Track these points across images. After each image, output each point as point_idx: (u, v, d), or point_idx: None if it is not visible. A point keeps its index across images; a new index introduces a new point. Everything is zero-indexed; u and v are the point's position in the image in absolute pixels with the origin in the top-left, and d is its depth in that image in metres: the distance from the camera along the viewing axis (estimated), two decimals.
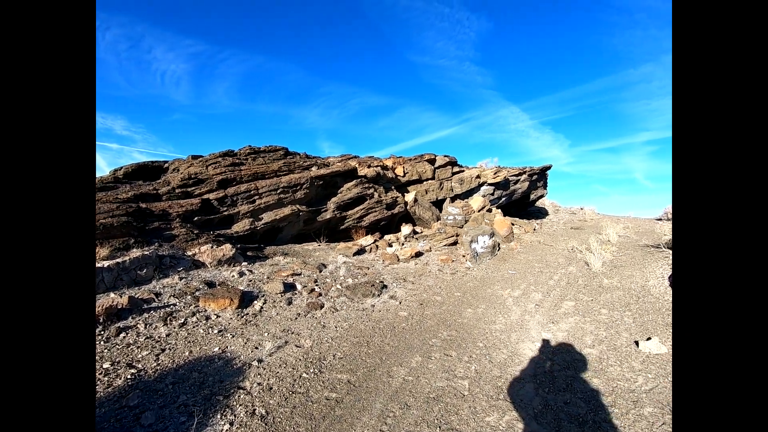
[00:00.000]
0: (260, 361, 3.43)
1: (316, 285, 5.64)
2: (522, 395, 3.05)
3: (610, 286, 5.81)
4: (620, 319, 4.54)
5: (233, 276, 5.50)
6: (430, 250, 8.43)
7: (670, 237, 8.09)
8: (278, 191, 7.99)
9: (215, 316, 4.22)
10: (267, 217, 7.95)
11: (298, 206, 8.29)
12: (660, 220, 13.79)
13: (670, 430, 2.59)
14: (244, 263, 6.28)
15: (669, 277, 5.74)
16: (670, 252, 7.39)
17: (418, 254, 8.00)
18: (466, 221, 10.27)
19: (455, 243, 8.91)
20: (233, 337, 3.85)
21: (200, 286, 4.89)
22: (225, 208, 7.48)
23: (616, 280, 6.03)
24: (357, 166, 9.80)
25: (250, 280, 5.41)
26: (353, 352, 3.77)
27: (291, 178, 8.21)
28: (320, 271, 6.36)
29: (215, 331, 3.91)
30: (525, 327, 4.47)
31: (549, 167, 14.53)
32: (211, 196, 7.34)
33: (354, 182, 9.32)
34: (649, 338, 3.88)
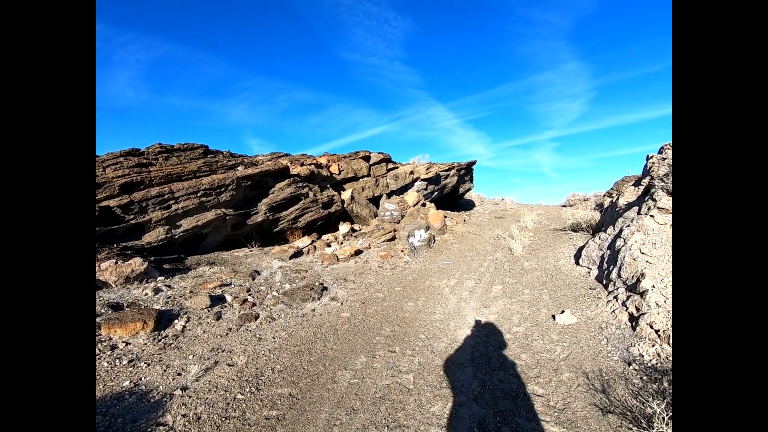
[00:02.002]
0: (185, 388, 3.01)
1: (249, 294, 5.20)
2: (462, 380, 3.21)
3: (529, 267, 6.50)
4: (540, 297, 5.10)
5: (146, 294, 4.76)
6: (370, 248, 8.44)
7: (573, 221, 9.39)
8: (199, 194, 7.16)
9: (124, 344, 3.58)
10: (187, 223, 7.07)
11: (223, 210, 7.55)
12: (564, 206, 15.97)
13: (587, 392, 2.97)
14: (160, 278, 5.48)
15: (574, 256, 6.65)
16: (574, 233, 8.58)
17: (358, 252, 7.94)
18: (403, 216, 10.54)
19: (393, 238, 9.07)
20: (149, 365, 3.32)
21: (102, 311, 4.12)
22: (132, 216, 6.44)
23: (534, 262, 6.77)
24: (289, 164, 9.32)
25: (169, 297, 4.74)
26: (294, 362, 3.55)
27: (213, 179, 7.43)
28: (253, 279, 5.88)
29: (124, 362, 3.31)
30: (461, 314, 4.73)
31: (474, 162, 15.71)
32: (112, 202, 6.24)
33: (286, 182, 8.84)
34: (562, 311, 4.43)
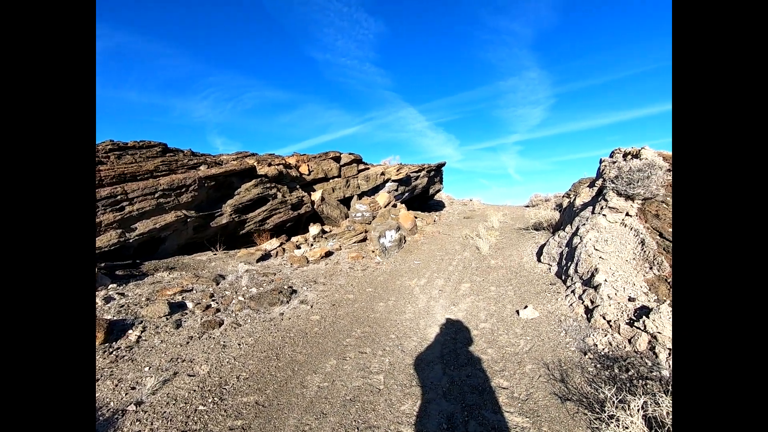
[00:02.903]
0: (139, 403, 2.80)
1: (213, 300, 4.96)
2: (432, 378, 3.26)
3: (495, 265, 6.75)
4: (505, 294, 5.31)
5: (96, 303, 4.38)
6: (341, 249, 8.37)
7: (536, 220, 9.89)
8: (156, 195, 6.72)
9: None
10: (143, 226, 6.61)
11: (184, 211, 7.15)
12: (528, 207, 16.77)
13: (548, 381, 3.13)
14: (111, 285, 5.08)
15: (536, 253, 6.99)
16: (536, 232, 9.03)
17: (329, 254, 7.84)
18: (374, 217, 10.55)
19: (365, 239, 9.06)
20: (97, 381, 3.06)
21: None
22: None
23: (500, 260, 7.05)
24: (256, 164, 9.01)
25: (122, 306, 4.40)
26: (261, 368, 3.43)
27: (173, 179, 7.01)
28: (217, 284, 5.62)
29: None
30: (431, 312, 4.82)
31: (443, 164, 16.08)
32: None
33: (253, 182, 8.54)
34: (526, 307, 4.64)
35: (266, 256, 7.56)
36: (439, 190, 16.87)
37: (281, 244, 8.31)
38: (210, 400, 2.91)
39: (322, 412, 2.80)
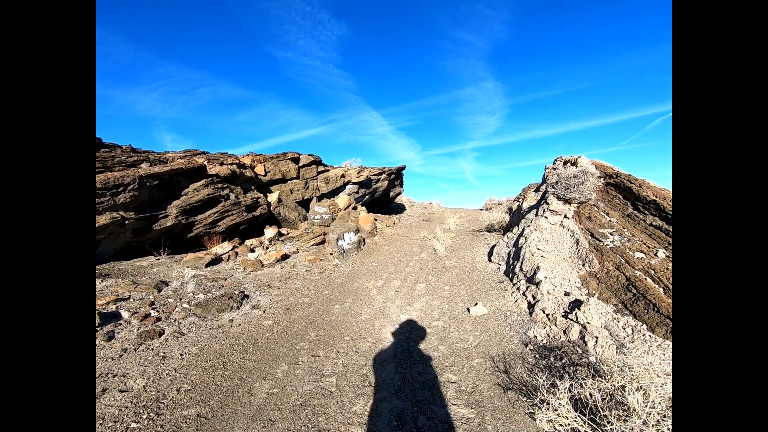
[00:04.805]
0: None
1: (153, 308, 4.58)
2: (384, 377, 3.30)
3: (450, 266, 7.01)
4: (458, 293, 5.54)
5: None
6: (298, 252, 8.17)
7: (489, 223, 10.44)
8: None
9: None
10: None
11: (122, 213, 6.53)
12: (483, 210, 17.64)
13: (492, 373, 3.32)
14: None
15: (488, 254, 7.38)
16: (489, 234, 9.54)
17: (285, 257, 7.62)
18: (334, 219, 10.45)
19: (323, 242, 8.93)
20: None
21: None
22: None
23: (455, 261, 7.33)
24: (206, 163, 8.51)
25: None
26: (205, 379, 3.23)
27: (108, 177, 6.38)
28: (159, 291, 5.20)
29: None
30: (387, 313, 4.88)
31: (404, 168, 16.39)
32: None
33: (203, 182, 8.05)
34: (476, 304, 4.87)
35: (217, 260, 7.15)
36: (399, 193, 17.15)
37: (234, 247, 7.92)
38: (144, 417, 2.68)
39: (270, 420, 2.70)
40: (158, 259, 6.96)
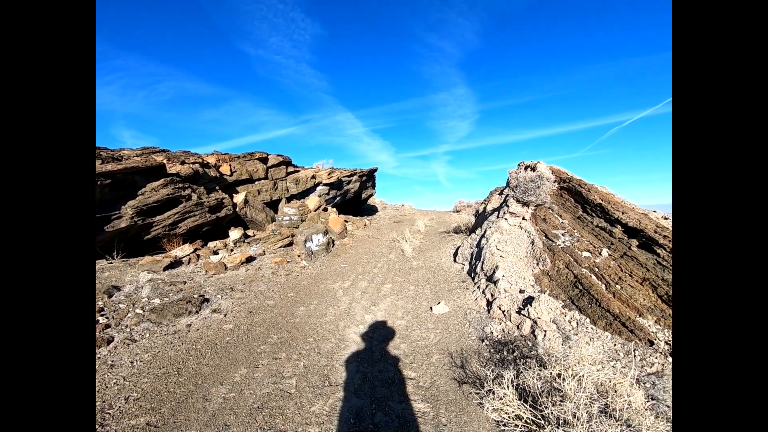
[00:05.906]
0: None
1: (102, 315, 4.32)
2: (345, 376, 3.34)
3: (417, 266, 7.17)
4: (422, 292, 5.68)
5: None
6: (264, 254, 7.99)
7: (456, 224, 10.76)
8: None
9: None
10: None
11: None
12: (452, 212, 18.13)
13: (450, 369, 3.45)
14: None
15: (453, 254, 7.62)
16: (456, 235, 9.83)
17: (250, 259, 7.43)
18: (303, 221, 10.32)
19: (291, 244, 8.80)
20: None
21: None
22: None
23: (421, 261, 7.50)
24: (165, 162, 8.12)
25: None
26: (157, 386, 3.11)
27: None
28: (110, 296, 4.90)
29: None
30: (351, 314, 4.91)
31: (375, 170, 16.49)
32: None
33: (162, 181, 7.67)
34: (439, 303, 5.03)
35: (176, 263, 6.84)
36: (371, 195, 17.22)
37: (195, 250, 7.61)
38: None
39: (224, 424, 2.65)
40: (110, 263, 6.55)
